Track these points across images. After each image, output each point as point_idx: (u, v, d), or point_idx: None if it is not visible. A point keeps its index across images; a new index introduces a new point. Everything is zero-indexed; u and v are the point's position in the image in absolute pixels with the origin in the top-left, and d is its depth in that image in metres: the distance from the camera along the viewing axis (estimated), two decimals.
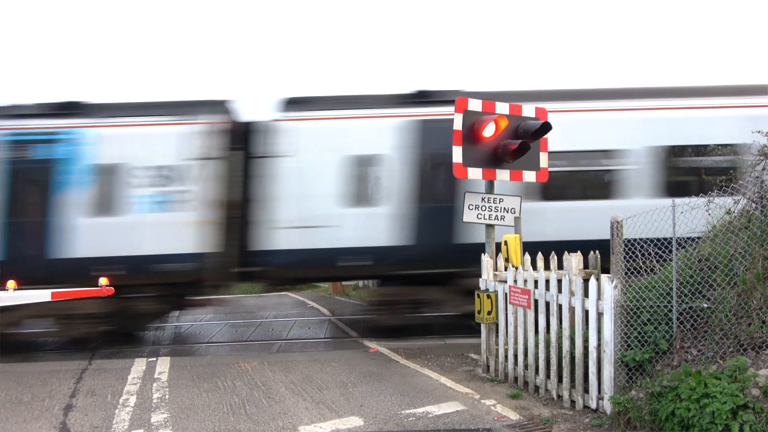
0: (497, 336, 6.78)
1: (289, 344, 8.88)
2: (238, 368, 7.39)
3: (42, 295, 6.87)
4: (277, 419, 5.44)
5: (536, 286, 6.06)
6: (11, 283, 6.75)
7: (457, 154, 7.13)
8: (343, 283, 14.88)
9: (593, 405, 5.28)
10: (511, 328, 6.45)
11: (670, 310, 5.10)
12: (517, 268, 6.47)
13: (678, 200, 5.13)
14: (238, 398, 6.12)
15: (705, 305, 4.95)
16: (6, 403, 6.13)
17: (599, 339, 5.22)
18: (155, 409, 5.85)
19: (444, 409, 5.56)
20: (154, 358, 8.02)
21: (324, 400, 5.97)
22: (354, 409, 5.69)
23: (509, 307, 6.48)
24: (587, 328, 5.35)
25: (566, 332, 5.61)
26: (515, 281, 6.39)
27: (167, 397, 6.24)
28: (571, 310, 5.59)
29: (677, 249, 5.13)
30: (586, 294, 5.40)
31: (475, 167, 7.23)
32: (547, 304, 5.92)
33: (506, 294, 6.52)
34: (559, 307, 5.75)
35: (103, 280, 6.81)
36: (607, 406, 5.08)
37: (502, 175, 7.41)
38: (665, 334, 5.06)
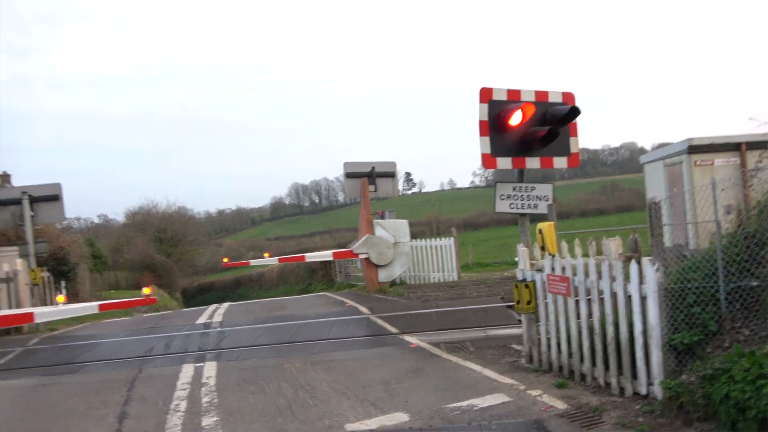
0: (538, 325, 6.71)
1: (331, 344, 8.95)
2: (282, 370, 7.51)
3: (90, 308, 7.13)
4: (323, 418, 5.51)
5: (575, 273, 5.97)
6: (60, 298, 7.04)
7: (484, 145, 7.09)
8: (380, 279, 14.92)
9: (643, 391, 5.17)
10: (552, 317, 6.38)
11: (717, 291, 4.95)
12: (553, 256, 6.38)
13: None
14: (284, 399, 6.22)
15: (754, 283, 4.79)
16: (64, 414, 6.37)
17: (645, 324, 5.10)
18: (205, 413, 5.99)
19: (489, 402, 5.54)
20: (201, 364, 8.20)
21: (368, 398, 6.02)
22: (398, 405, 5.71)
23: (548, 295, 6.40)
24: (631, 313, 5.25)
25: (609, 318, 5.51)
26: (553, 269, 6.30)
27: (216, 401, 6.38)
28: (613, 295, 5.49)
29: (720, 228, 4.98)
30: (627, 279, 5.29)
31: (504, 157, 7.16)
32: (588, 291, 5.83)
33: (544, 283, 6.45)
34: (600, 293, 5.64)
35: (146, 290, 7.00)
36: (658, 391, 4.97)
37: (532, 163, 7.33)
38: (713, 315, 4.92)
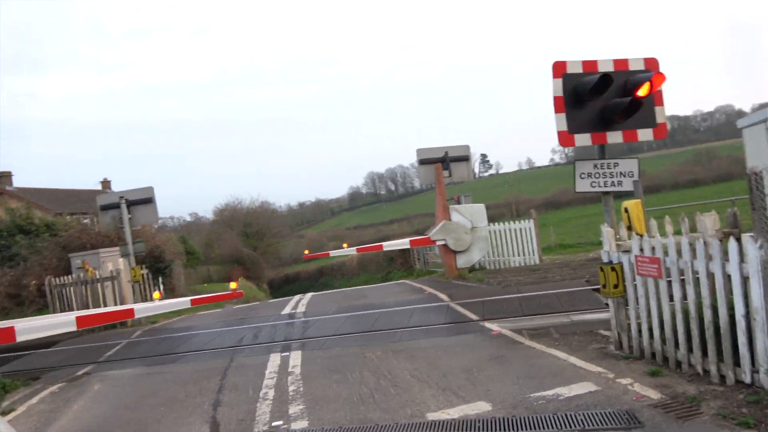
0: (627, 310, 6.35)
1: (411, 332, 8.97)
2: (364, 358, 7.62)
3: (183, 303, 7.57)
4: (405, 407, 5.53)
5: (666, 254, 5.58)
6: (156, 295, 7.54)
7: (560, 121, 6.77)
8: (459, 265, 14.77)
9: (747, 379, 4.76)
10: (642, 301, 6.01)
11: None
12: (642, 236, 6.00)
13: None
14: (366, 388, 6.31)
15: None
16: (165, 402, 6.83)
17: (747, 306, 4.68)
18: (292, 401, 6.20)
19: (576, 391, 5.32)
20: (287, 353, 8.50)
21: (450, 386, 5.97)
22: (480, 394, 5.62)
23: (637, 278, 6.03)
24: (731, 294, 4.83)
25: (706, 301, 5.11)
26: (642, 250, 5.93)
27: (301, 389, 6.58)
28: (710, 276, 5.07)
29: None
30: (726, 258, 4.87)
31: (583, 133, 6.80)
32: (681, 272, 5.43)
33: (632, 264, 6.08)
34: (696, 273, 5.24)
35: (232, 285, 7.32)
36: (764, 379, 4.56)
37: (614, 137, 6.92)
38: None
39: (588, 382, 5.52)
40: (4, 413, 7.20)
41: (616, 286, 6.33)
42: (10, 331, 6.50)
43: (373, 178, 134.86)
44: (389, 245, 18.36)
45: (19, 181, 35.56)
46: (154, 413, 6.44)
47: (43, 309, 16.23)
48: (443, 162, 14.81)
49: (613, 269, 6.33)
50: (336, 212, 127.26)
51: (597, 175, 7.18)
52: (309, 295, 16.72)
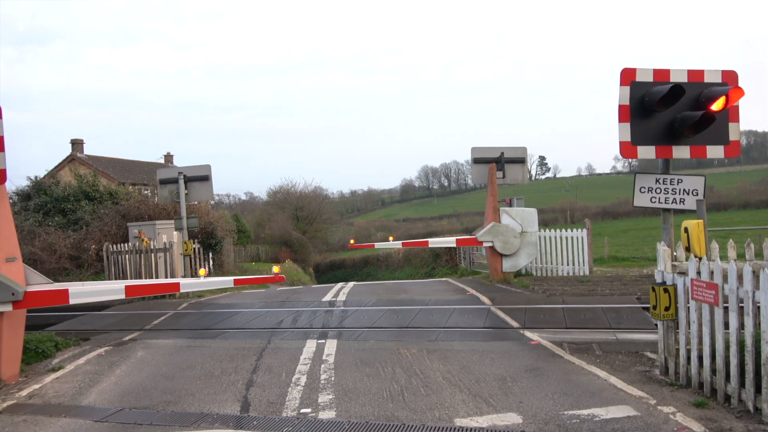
0: (677, 334, 6.03)
1: (448, 332, 8.86)
2: (398, 355, 7.59)
3: (227, 282, 7.74)
4: (434, 409, 5.46)
5: (726, 280, 5.24)
6: (202, 272, 7.73)
7: (623, 131, 6.46)
8: (504, 269, 14.48)
9: None
10: (694, 327, 5.69)
11: None
12: (700, 259, 5.66)
13: None
14: (397, 385, 6.27)
15: None
16: (201, 376, 7.01)
17: None
18: (322, 389, 6.23)
19: (613, 413, 5.09)
20: (323, 341, 8.57)
21: (481, 393, 5.85)
22: (512, 405, 5.48)
23: (691, 302, 5.71)
24: None
25: (766, 335, 4.77)
26: (699, 273, 5.60)
27: (333, 379, 6.61)
28: None
29: None
30: None
31: (647, 145, 6.47)
32: (741, 300, 5.09)
33: (687, 288, 5.76)
34: (756, 304, 4.90)
35: (275, 268, 7.41)
36: None
37: (681, 152, 6.55)
38: None
39: (627, 405, 5.28)
40: (54, 370, 7.59)
41: (667, 309, 6.01)
42: (65, 293, 6.84)
43: (426, 172, 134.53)
44: (435, 242, 18.21)
45: (89, 149, 37.43)
46: (189, 386, 6.63)
47: (99, 273, 17.04)
48: (498, 162, 14.51)
49: (665, 290, 6.02)
50: (387, 203, 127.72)
51: (658, 191, 6.82)
52: (351, 284, 16.83)
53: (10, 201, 21.90)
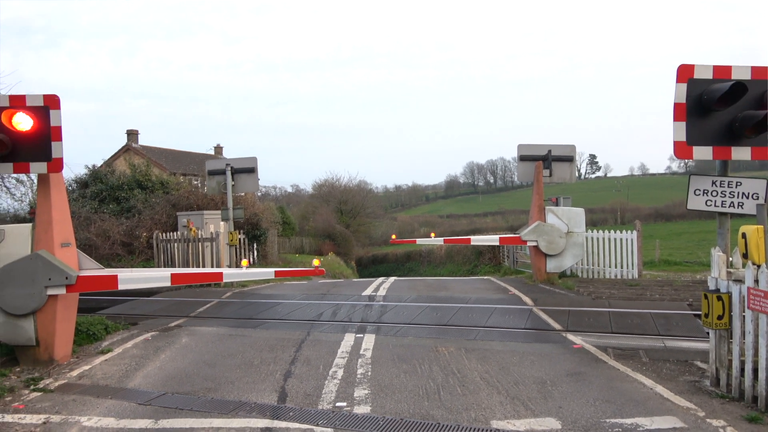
0: (731, 344, 5.73)
1: (488, 332, 8.72)
2: (436, 352, 7.53)
3: (268, 273, 7.86)
4: (469, 410, 5.38)
5: None
6: (245, 262, 7.89)
7: (678, 131, 6.17)
8: (548, 269, 14.14)
9: None
10: (749, 338, 5.39)
11: None
12: (759, 267, 5.35)
13: None
14: (433, 383, 6.21)
15: None
16: (241, 365, 7.15)
17: None
18: (358, 384, 6.25)
19: (658, 424, 4.89)
20: (362, 335, 8.59)
21: (519, 396, 5.73)
22: (551, 409, 5.34)
23: (747, 312, 5.41)
24: None
25: None
26: (756, 282, 5.29)
27: (369, 374, 6.62)
28: None
29: None
30: None
31: (703, 145, 6.16)
32: None
33: (743, 296, 5.46)
34: None
35: (315, 262, 7.47)
36: None
37: (741, 153, 6.21)
38: None
39: (673, 416, 5.06)
40: (103, 352, 7.91)
41: (720, 317, 5.72)
42: (114, 279, 7.10)
43: (472, 168, 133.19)
44: (477, 240, 17.98)
45: (144, 139, 38.81)
46: (229, 373, 6.77)
47: (149, 260, 17.65)
48: (545, 160, 14.17)
49: (719, 298, 5.72)
50: (431, 199, 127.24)
51: (714, 193, 6.49)
52: (392, 279, 16.84)
53: (69, 188, 23.01)
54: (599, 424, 4.95)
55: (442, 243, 21.65)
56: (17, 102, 6.83)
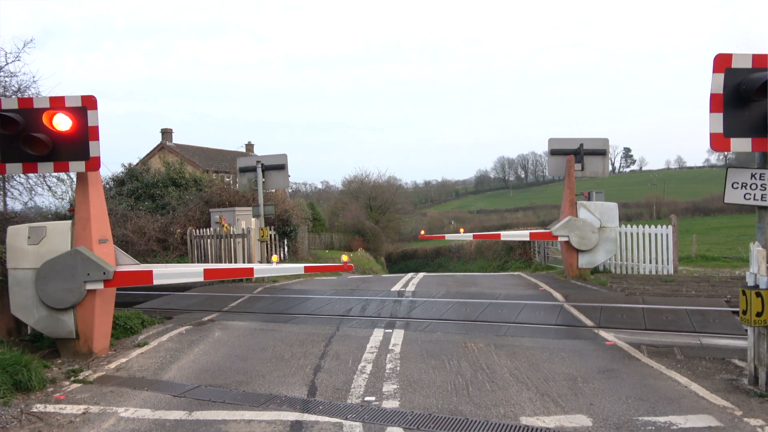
0: None
1: (517, 328, 8.65)
2: (464, 348, 7.51)
3: (297, 269, 7.96)
4: (498, 406, 5.36)
5: None
6: (275, 258, 8.01)
7: (715, 122, 5.98)
8: (580, 265, 13.91)
9: None
10: None
11: None
12: None
13: None
14: (462, 379, 6.20)
15: None
16: (272, 359, 7.27)
17: None
18: (387, 379, 6.28)
19: (692, 423, 4.78)
20: (390, 330, 8.62)
21: (549, 393, 5.68)
22: (582, 406, 5.27)
23: None
24: None
25: None
26: None
27: (398, 369, 6.64)
28: None
29: None
30: None
31: (742, 137, 5.97)
32: None
33: None
34: None
35: (344, 257, 7.53)
36: None
37: None
38: None
39: (709, 415, 4.94)
40: (139, 345, 8.14)
41: (759, 314, 5.55)
42: (149, 274, 7.29)
43: (503, 163, 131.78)
44: (507, 235, 17.81)
45: (177, 138, 39.62)
46: (260, 367, 6.89)
47: (183, 256, 18.04)
48: (576, 154, 13.94)
49: (758, 295, 5.55)
50: (461, 194, 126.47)
51: (753, 186, 6.27)
52: (421, 274, 16.82)
53: (107, 186, 23.66)
54: (631, 421, 4.87)
55: (471, 238, 21.51)
56: (57, 103, 7.06)
